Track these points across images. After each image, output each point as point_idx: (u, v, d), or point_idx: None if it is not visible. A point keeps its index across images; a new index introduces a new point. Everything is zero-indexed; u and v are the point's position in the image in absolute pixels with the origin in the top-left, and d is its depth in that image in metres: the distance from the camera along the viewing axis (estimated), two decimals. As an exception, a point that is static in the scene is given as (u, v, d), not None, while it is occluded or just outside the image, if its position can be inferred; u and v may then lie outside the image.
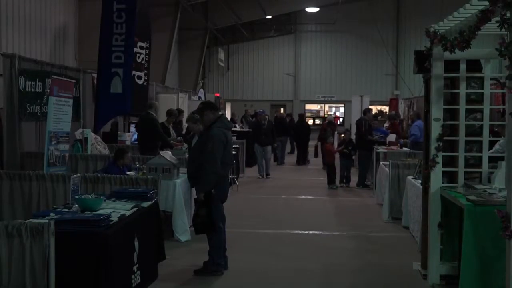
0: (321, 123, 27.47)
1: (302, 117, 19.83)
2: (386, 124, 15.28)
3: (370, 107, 17.71)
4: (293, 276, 6.17)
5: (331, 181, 13.23)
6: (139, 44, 12.10)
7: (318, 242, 7.84)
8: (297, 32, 30.98)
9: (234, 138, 14.64)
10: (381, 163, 10.88)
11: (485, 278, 4.74)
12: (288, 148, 21.17)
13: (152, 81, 15.42)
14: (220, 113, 6.51)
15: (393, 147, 12.59)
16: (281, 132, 17.75)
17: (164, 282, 5.75)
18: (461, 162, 5.75)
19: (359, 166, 13.59)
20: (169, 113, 11.49)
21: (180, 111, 13.07)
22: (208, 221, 6.01)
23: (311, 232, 8.47)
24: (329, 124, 18.51)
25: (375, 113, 18.19)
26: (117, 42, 10.96)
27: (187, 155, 8.34)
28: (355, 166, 14.33)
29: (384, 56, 28.78)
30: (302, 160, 18.51)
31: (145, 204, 5.37)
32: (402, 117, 19.84)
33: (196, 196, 6.24)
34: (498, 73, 6.49)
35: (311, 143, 19.27)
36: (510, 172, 4.00)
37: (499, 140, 6.99)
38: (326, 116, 29.58)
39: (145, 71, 12.66)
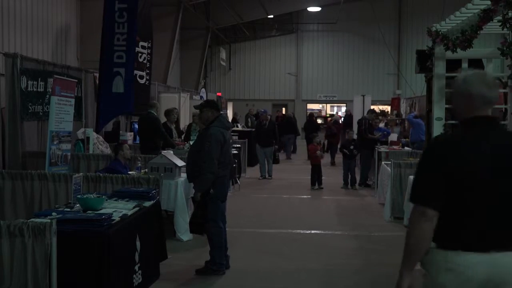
0: (322, 122, 27.87)
1: (312, 116, 22.31)
2: (381, 124, 15.22)
3: (372, 106, 17.73)
4: (295, 276, 6.17)
5: (313, 182, 13.05)
6: (140, 43, 12.09)
7: (319, 242, 7.84)
8: (299, 32, 30.94)
9: (236, 137, 14.67)
10: (382, 162, 10.87)
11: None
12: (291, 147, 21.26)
13: (154, 81, 15.43)
14: (221, 112, 6.50)
15: (394, 147, 12.60)
16: (288, 130, 19.87)
17: (166, 281, 5.75)
18: (463, 161, 5.74)
19: (361, 165, 13.58)
20: (167, 112, 11.31)
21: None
22: (201, 222, 6.01)
23: (312, 231, 8.47)
24: (334, 123, 18.97)
25: (379, 113, 18.20)
26: (118, 41, 10.93)
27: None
28: (357, 166, 14.30)
29: (385, 56, 28.72)
30: None
31: (147, 204, 5.37)
32: (404, 116, 19.84)
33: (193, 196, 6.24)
34: (500, 72, 6.48)
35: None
36: None
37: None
38: (327, 116, 29.75)
39: (147, 71, 12.66)
